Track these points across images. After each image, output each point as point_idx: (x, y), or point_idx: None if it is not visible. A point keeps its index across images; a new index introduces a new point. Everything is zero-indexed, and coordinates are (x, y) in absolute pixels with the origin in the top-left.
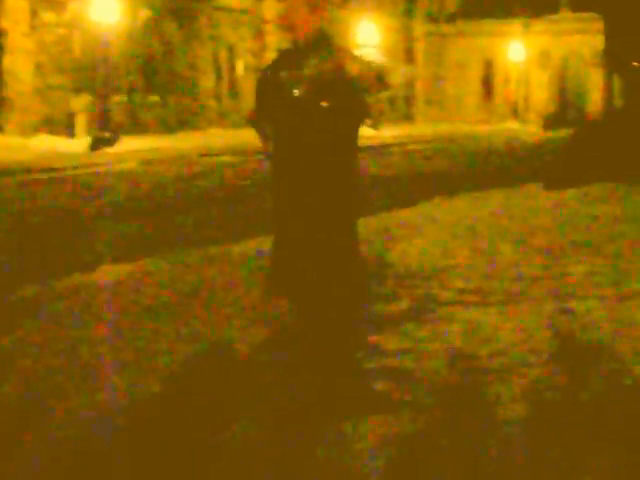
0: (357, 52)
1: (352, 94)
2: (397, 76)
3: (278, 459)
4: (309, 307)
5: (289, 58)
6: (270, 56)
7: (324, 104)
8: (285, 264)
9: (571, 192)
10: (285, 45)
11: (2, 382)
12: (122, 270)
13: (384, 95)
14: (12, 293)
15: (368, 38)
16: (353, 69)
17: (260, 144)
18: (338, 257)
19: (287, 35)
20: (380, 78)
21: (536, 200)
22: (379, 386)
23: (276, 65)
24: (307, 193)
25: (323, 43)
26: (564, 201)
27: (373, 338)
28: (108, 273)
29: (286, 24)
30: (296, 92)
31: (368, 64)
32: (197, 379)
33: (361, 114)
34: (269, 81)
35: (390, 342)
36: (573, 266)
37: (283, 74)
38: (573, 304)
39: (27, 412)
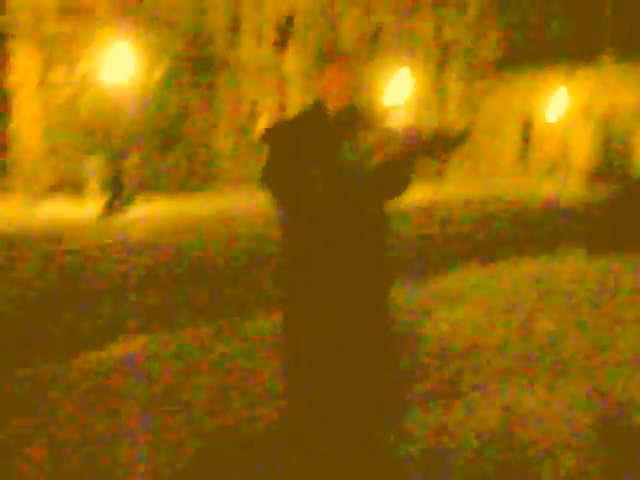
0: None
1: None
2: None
3: None
4: (335, 386)
5: (326, 129)
6: (293, 113)
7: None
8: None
9: (616, 259)
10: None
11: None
12: (133, 346)
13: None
14: (18, 372)
15: (400, 92)
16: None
17: (273, 207)
18: (372, 331)
19: (329, 104)
20: (448, 142)
21: (578, 268)
22: (411, 473)
23: (304, 130)
24: (341, 264)
25: (364, 118)
26: (608, 269)
27: (404, 420)
28: (118, 350)
29: (325, 93)
30: (353, 169)
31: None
32: (209, 468)
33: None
34: (296, 147)
35: (423, 424)
36: (617, 342)
37: (343, 148)
38: (617, 382)
39: None
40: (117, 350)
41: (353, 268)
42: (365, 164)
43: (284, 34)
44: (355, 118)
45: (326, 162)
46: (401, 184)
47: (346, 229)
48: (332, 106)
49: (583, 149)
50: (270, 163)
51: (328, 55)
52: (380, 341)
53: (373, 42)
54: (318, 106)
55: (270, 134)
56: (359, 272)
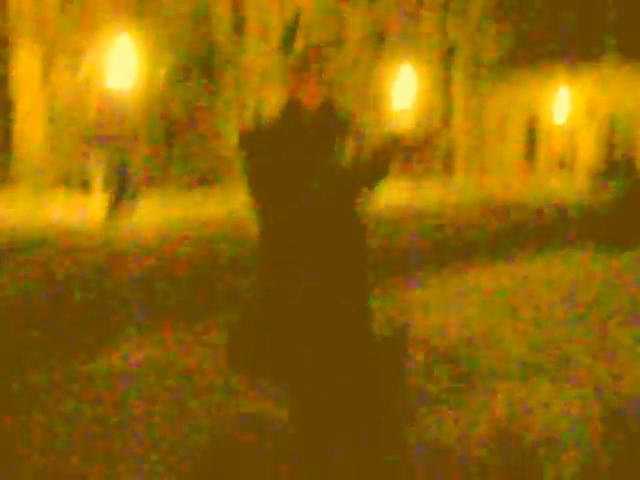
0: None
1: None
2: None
3: None
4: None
5: (301, 130)
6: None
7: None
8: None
9: (623, 255)
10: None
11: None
12: (138, 354)
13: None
14: (17, 380)
15: (405, 90)
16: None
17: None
18: (352, 333)
19: (306, 102)
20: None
21: (585, 265)
22: (420, 473)
23: (285, 133)
24: (323, 261)
25: (340, 119)
26: (616, 267)
27: (411, 419)
28: (122, 357)
29: (295, 94)
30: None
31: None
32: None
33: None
34: (279, 151)
35: (429, 423)
36: (624, 340)
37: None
38: (623, 381)
39: None
40: (119, 357)
41: (335, 265)
42: (353, 168)
43: (289, 36)
44: (334, 117)
45: (318, 166)
46: (379, 181)
47: (329, 225)
48: (310, 104)
49: (588, 148)
50: (254, 169)
51: (305, 51)
52: (360, 342)
53: (378, 43)
54: (294, 105)
55: (248, 139)
56: (340, 269)
